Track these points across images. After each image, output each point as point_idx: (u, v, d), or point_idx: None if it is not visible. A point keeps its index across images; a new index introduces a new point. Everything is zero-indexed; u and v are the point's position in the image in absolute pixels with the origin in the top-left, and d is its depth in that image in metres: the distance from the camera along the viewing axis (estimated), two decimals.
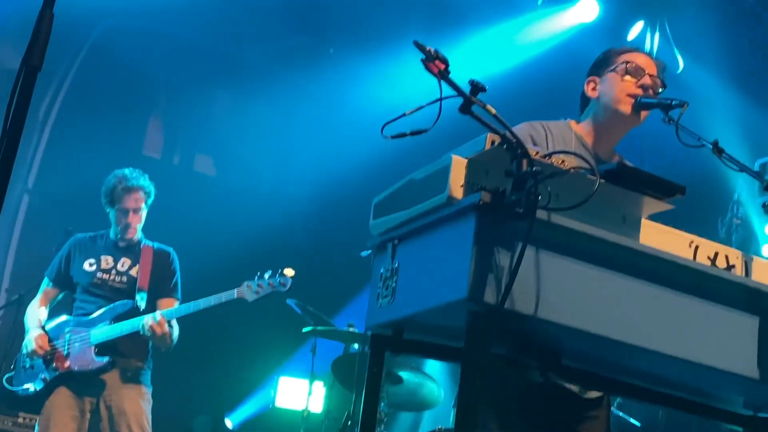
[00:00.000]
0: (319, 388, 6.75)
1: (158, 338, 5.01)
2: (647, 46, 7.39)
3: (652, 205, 2.22)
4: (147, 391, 5.20)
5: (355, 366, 5.74)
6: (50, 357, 5.18)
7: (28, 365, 5.24)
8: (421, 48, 2.12)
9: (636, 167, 2.25)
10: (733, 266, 2.33)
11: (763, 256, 2.67)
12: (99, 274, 5.26)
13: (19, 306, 6.50)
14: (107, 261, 5.30)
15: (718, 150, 2.62)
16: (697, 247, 2.30)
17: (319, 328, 6.12)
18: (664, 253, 2.13)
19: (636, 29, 7.52)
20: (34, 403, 6.28)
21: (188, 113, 8.41)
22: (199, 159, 8.79)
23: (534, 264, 1.99)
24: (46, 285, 5.50)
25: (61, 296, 5.48)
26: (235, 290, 5.09)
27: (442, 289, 2.02)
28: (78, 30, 7.30)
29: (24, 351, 5.23)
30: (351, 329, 6.07)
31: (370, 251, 2.37)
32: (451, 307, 2.02)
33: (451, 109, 2.10)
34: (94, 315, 5.20)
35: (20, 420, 5.77)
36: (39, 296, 5.47)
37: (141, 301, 5.20)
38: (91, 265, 5.29)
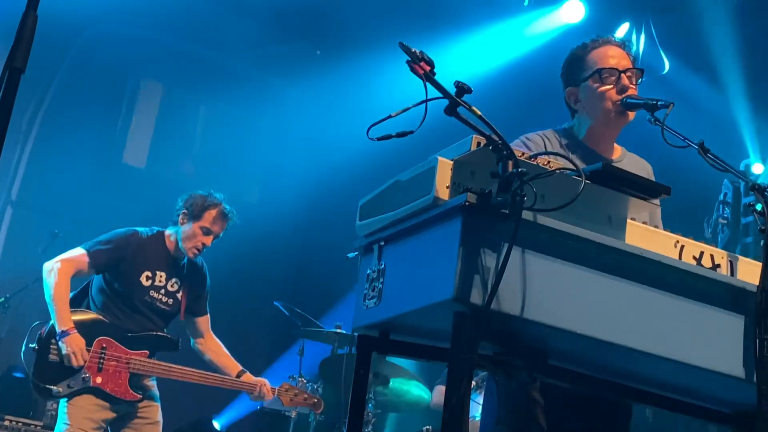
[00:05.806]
0: None
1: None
2: (633, 49, 7.40)
3: (637, 205, 2.22)
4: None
5: (343, 367, 5.75)
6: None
7: (58, 361, 4.56)
8: (406, 50, 2.12)
9: (621, 168, 2.25)
10: (719, 266, 2.33)
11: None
12: (151, 292, 4.82)
13: (4, 310, 6.48)
14: (161, 277, 4.87)
15: (703, 150, 2.62)
16: (682, 247, 2.31)
17: (307, 329, 6.12)
18: (649, 253, 2.13)
19: (622, 30, 7.55)
20: (21, 406, 6.26)
21: (173, 121, 8.37)
22: (184, 167, 8.73)
23: (520, 265, 1.99)
24: (79, 255, 4.70)
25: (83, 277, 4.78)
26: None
27: (429, 290, 2.02)
28: (61, 36, 7.26)
29: (63, 350, 4.53)
30: (338, 330, 6.08)
31: (356, 253, 2.37)
32: (437, 308, 2.02)
33: (437, 110, 2.11)
34: (135, 335, 4.75)
35: (6, 423, 5.72)
36: (66, 266, 4.64)
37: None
38: (148, 278, 4.82)
